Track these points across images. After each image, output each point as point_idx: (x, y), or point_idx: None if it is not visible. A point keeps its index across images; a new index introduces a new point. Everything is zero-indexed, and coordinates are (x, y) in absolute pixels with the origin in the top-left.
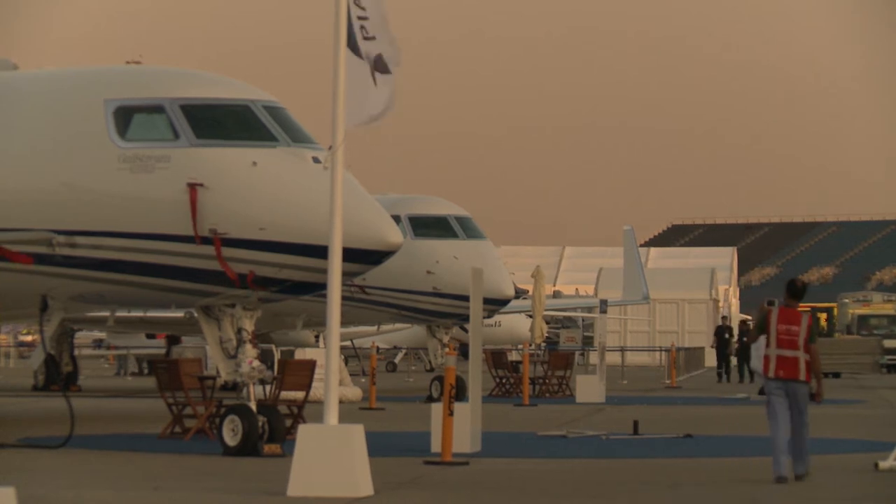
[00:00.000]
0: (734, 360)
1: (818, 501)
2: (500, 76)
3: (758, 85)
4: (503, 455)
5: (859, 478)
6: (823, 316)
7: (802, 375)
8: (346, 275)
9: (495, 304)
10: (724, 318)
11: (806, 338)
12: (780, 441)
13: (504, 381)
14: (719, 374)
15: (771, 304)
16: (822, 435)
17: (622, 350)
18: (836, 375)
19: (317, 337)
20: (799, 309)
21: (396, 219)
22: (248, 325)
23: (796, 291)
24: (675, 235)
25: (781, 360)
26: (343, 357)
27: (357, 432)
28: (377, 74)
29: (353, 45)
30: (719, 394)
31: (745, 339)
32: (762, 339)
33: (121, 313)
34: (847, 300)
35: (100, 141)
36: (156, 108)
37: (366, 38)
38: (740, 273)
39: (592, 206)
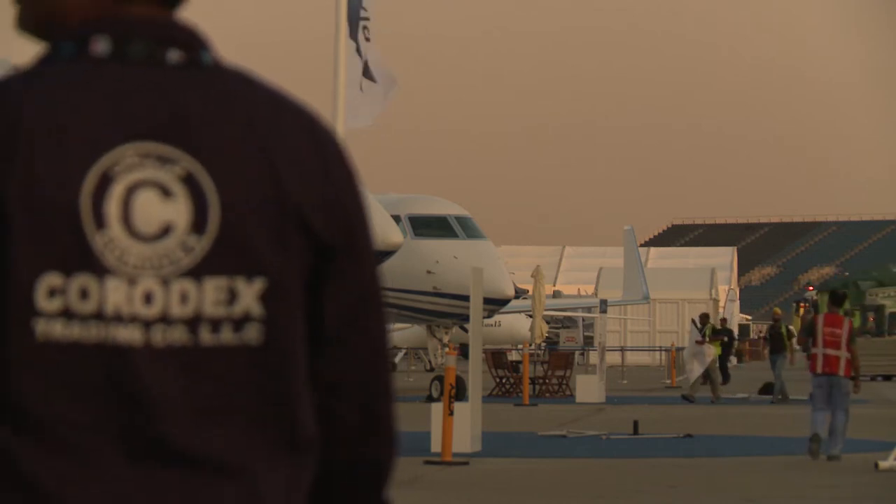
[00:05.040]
0: (732, 361)
1: (818, 501)
2: (500, 76)
3: (759, 85)
4: (503, 455)
5: (859, 478)
6: (870, 316)
7: (843, 371)
8: None
9: (495, 304)
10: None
11: (847, 339)
12: (820, 422)
13: (504, 381)
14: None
15: (809, 311)
16: None
17: (622, 350)
18: (888, 378)
19: None
20: (841, 313)
21: (396, 219)
22: None
23: (838, 299)
24: (675, 235)
25: (826, 359)
26: None
27: None
28: (364, 80)
29: (355, 38)
30: (719, 394)
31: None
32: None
33: None
34: (878, 296)
35: None
36: None
37: (366, 39)
38: (740, 273)
39: (592, 206)
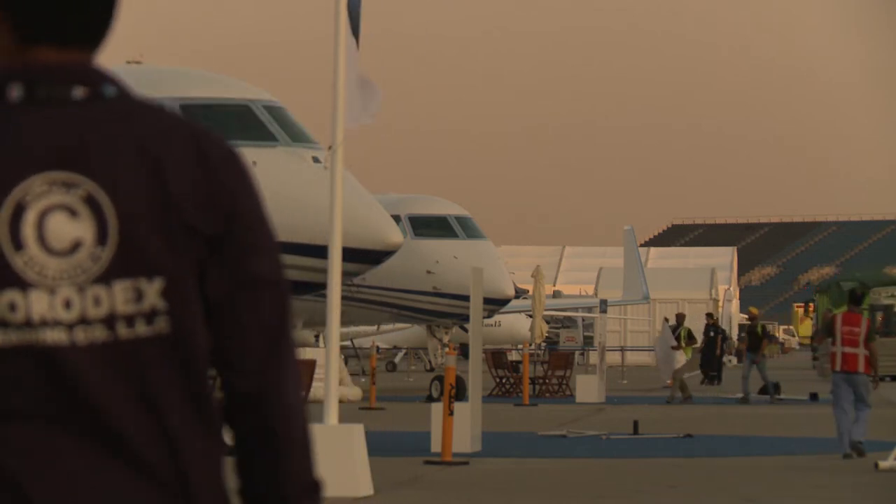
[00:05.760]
0: (732, 360)
1: (818, 501)
2: (500, 76)
3: (759, 85)
4: (503, 455)
5: (859, 478)
6: (880, 316)
7: (861, 368)
8: (347, 274)
9: (495, 304)
10: (708, 315)
11: (865, 336)
12: (845, 425)
13: (504, 381)
14: (710, 377)
15: (829, 311)
16: (822, 435)
17: (622, 350)
18: None
19: (316, 337)
20: (858, 312)
21: (396, 219)
22: None
23: (856, 298)
24: (675, 235)
25: (845, 357)
26: (343, 357)
27: (357, 432)
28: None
29: (356, 34)
30: (719, 394)
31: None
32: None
33: None
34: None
35: None
36: None
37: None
38: (740, 273)
39: (592, 206)
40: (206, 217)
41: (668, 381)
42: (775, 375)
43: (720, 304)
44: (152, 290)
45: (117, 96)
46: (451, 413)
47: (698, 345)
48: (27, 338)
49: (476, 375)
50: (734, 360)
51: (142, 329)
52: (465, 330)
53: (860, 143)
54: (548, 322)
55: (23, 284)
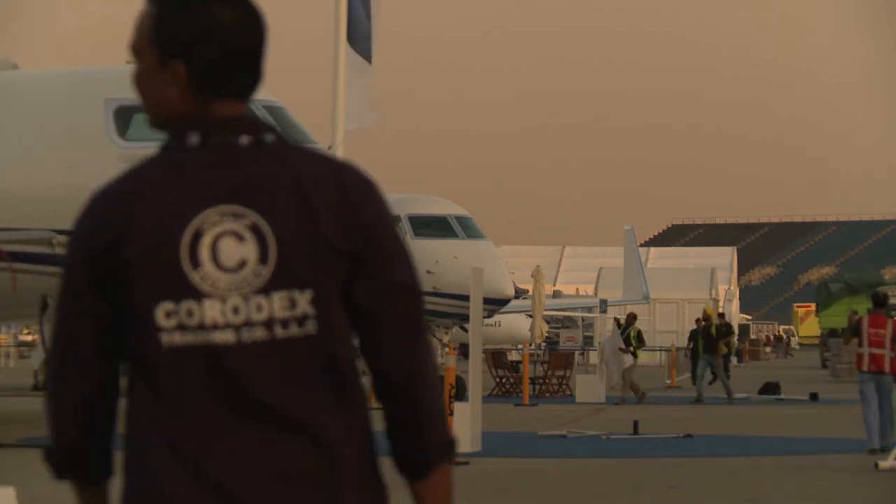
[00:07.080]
0: (733, 360)
1: (818, 501)
2: (500, 76)
3: (759, 85)
4: (503, 455)
5: (859, 478)
6: (894, 317)
7: (888, 368)
8: None
9: (495, 304)
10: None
11: (892, 337)
12: (872, 421)
13: (504, 381)
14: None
15: (856, 313)
16: (822, 435)
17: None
18: None
19: None
20: (883, 314)
21: (396, 219)
22: None
23: (880, 301)
24: (675, 235)
25: (872, 357)
26: None
27: None
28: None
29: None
30: (719, 394)
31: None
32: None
33: None
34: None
35: (100, 141)
36: None
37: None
38: (740, 273)
39: (592, 206)
40: (347, 238)
41: (614, 385)
42: (776, 375)
43: (721, 304)
44: (304, 300)
45: (275, 142)
46: (451, 413)
47: (647, 346)
48: (200, 338)
49: (476, 375)
50: (734, 360)
51: (294, 330)
52: (465, 330)
53: (860, 143)
54: (548, 322)
55: (198, 295)
